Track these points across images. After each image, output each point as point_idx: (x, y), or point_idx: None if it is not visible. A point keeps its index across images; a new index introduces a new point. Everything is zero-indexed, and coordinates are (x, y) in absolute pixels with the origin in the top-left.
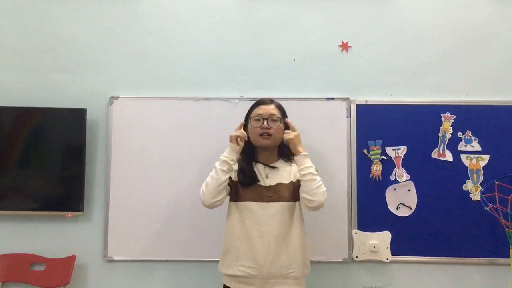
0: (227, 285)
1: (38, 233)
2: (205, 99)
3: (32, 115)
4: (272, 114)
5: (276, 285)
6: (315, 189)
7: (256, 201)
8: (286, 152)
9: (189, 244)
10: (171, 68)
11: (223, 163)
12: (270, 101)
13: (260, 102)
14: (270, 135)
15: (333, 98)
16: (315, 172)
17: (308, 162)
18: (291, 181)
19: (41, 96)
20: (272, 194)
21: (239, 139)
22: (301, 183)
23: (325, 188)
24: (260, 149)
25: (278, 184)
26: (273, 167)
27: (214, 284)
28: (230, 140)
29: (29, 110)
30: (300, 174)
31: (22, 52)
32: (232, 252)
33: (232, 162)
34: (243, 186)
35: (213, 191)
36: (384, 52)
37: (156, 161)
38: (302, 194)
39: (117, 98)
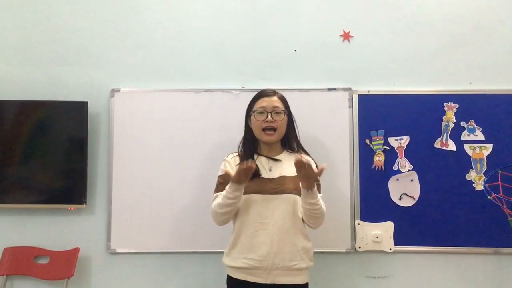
0: (231, 275)
1: (42, 226)
2: (206, 90)
3: (33, 108)
4: (275, 107)
5: (280, 277)
6: (318, 220)
7: (260, 194)
8: (289, 143)
9: (191, 235)
10: (172, 60)
11: (224, 198)
12: (273, 92)
13: (262, 94)
14: (274, 130)
15: (335, 89)
16: (320, 205)
17: (317, 197)
18: (296, 175)
19: (42, 89)
20: (276, 186)
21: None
22: (304, 211)
23: (324, 207)
24: (263, 142)
25: (282, 177)
26: (277, 160)
27: (217, 275)
28: (232, 180)
29: (30, 104)
30: (304, 206)
31: (22, 45)
32: (237, 245)
33: (235, 200)
34: None
35: (222, 219)
36: (386, 42)
37: (158, 153)
38: (305, 218)
39: (118, 90)
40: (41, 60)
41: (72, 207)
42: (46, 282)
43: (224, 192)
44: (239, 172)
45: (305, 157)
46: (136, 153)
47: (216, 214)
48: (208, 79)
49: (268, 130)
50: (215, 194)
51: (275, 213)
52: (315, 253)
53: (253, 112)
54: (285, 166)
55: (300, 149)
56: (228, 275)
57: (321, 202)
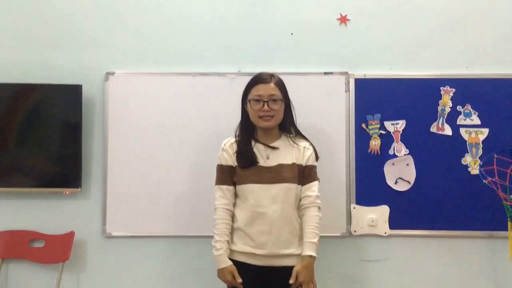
0: (229, 257)
1: (37, 210)
2: (202, 74)
3: (27, 92)
4: (272, 95)
5: (278, 260)
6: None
7: (258, 183)
8: (287, 128)
9: (187, 219)
10: (168, 43)
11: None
12: (270, 77)
13: (258, 81)
14: (271, 117)
15: (331, 73)
16: (319, 226)
17: (317, 240)
18: (294, 163)
19: (35, 72)
20: (274, 175)
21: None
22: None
23: (320, 215)
24: (260, 128)
25: (280, 165)
26: (274, 148)
27: (212, 260)
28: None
29: (24, 87)
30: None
31: (15, 27)
32: (235, 232)
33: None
34: (243, 168)
35: None
36: (383, 25)
37: (154, 137)
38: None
39: (113, 73)
40: (34, 43)
41: (67, 191)
42: (41, 265)
43: (215, 244)
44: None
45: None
46: (131, 137)
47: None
48: (204, 63)
49: (265, 117)
50: (217, 187)
51: (273, 202)
52: None
53: (249, 101)
54: (283, 154)
55: (298, 134)
56: None
57: (313, 228)
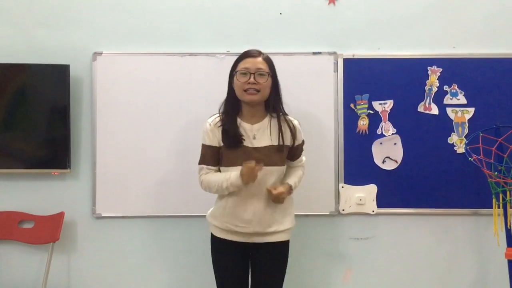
0: (214, 234)
1: (25, 191)
2: (191, 54)
3: (12, 72)
4: (259, 68)
5: (262, 237)
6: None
7: None
8: (273, 107)
9: (176, 200)
10: (156, 23)
11: (223, 188)
12: (258, 53)
13: (246, 55)
14: (257, 90)
15: (320, 53)
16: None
17: (295, 186)
18: (281, 144)
19: (20, 51)
20: (262, 157)
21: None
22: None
23: (301, 176)
24: (246, 104)
25: (268, 147)
26: (260, 128)
27: (201, 240)
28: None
29: (9, 67)
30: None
31: None
32: (219, 211)
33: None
34: (229, 148)
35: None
36: (372, 5)
37: (142, 117)
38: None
39: (100, 54)
40: (19, 21)
41: (56, 171)
42: (31, 246)
43: (223, 182)
44: (244, 176)
45: (275, 191)
46: (119, 117)
47: (210, 191)
48: (192, 43)
49: (250, 90)
50: (201, 166)
51: (262, 185)
52: (299, 216)
53: (236, 73)
54: (269, 135)
55: (284, 115)
56: (212, 234)
57: (298, 178)
